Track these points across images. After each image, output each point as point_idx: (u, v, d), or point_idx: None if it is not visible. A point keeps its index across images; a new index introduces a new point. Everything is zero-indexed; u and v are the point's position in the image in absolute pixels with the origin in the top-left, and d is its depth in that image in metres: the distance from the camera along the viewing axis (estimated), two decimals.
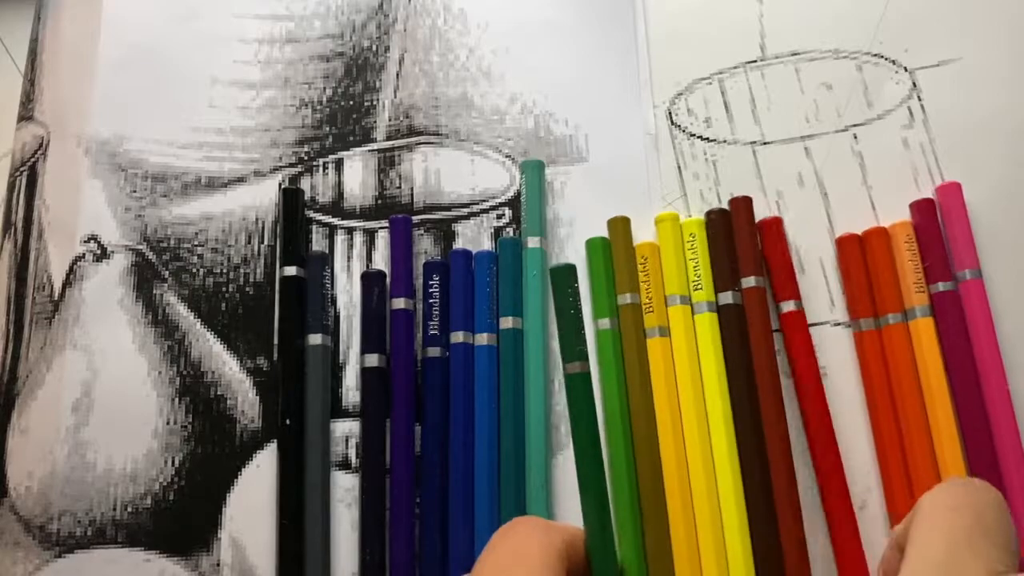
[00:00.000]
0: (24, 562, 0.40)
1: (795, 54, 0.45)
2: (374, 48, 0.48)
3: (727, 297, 0.41)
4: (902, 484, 0.38)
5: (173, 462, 0.41)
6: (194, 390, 0.42)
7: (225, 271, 0.44)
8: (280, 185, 0.46)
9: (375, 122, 0.46)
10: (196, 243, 0.45)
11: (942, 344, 0.39)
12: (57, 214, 0.46)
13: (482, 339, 0.41)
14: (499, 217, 0.44)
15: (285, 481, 0.40)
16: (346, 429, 0.41)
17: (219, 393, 0.42)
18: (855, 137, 0.44)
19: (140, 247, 0.45)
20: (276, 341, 0.43)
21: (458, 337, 0.41)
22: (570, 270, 0.26)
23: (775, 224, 0.41)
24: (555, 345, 0.41)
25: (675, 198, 0.44)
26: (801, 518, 0.37)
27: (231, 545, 0.40)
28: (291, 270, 0.43)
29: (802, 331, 0.40)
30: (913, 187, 0.42)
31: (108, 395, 0.42)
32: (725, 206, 0.42)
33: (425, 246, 0.44)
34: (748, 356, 0.40)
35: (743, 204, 0.42)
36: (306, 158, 0.46)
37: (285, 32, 0.48)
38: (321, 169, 0.46)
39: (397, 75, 0.47)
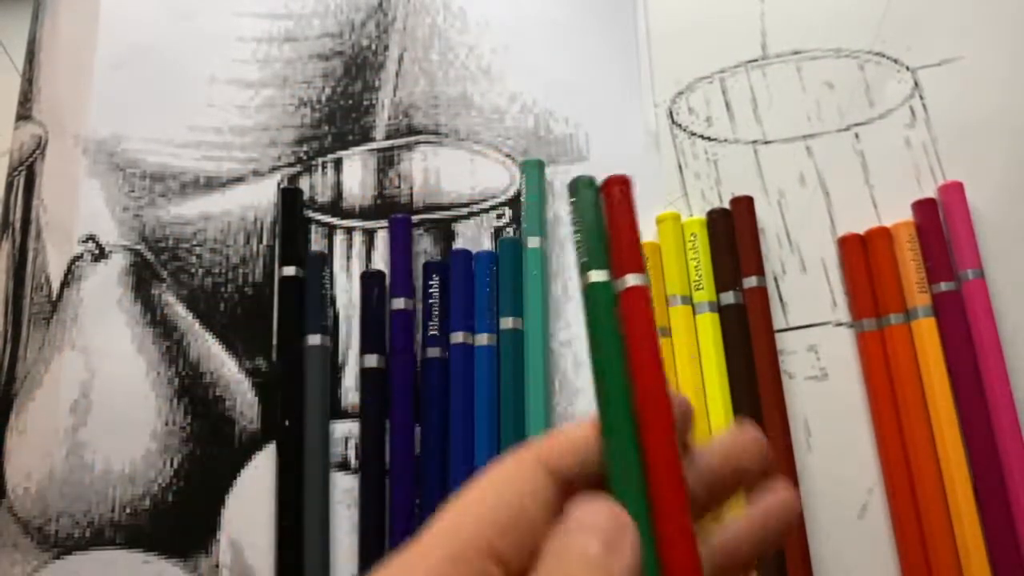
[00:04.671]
0: (22, 563, 0.40)
1: (797, 53, 0.45)
2: (373, 47, 0.48)
3: (728, 297, 0.40)
4: (904, 485, 0.37)
5: (172, 463, 0.41)
6: (193, 391, 0.42)
7: (224, 271, 0.44)
8: (279, 185, 0.45)
9: (374, 121, 0.46)
10: (194, 243, 0.45)
11: (944, 344, 0.39)
12: (55, 214, 0.45)
13: (482, 339, 0.41)
14: (499, 217, 0.44)
15: (284, 482, 0.40)
16: (346, 430, 0.41)
17: (218, 394, 0.42)
18: (857, 136, 0.43)
19: (138, 247, 0.45)
20: (275, 341, 0.42)
21: (458, 337, 0.41)
22: (592, 181, 0.26)
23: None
24: (555, 345, 0.41)
25: (676, 197, 0.44)
26: (803, 519, 0.37)
27: (230, 547, 0.40)
28: (290, 270, 0.43)
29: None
30: (915, 186, 0.42)
31: (106, 396, 0.42)
32: (726, 206, 0.42)
33: (425, 246, 0.44)
34: (749, 356, 0.39)
35: (744, 204, 0.42)
36: (305, 157, 0.46)
37: (284, 31, 0.48)
38: (320, 169, 0.46)
39: (396, 74, 0.47)
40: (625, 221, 0.25)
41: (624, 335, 0.23)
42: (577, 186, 0.25)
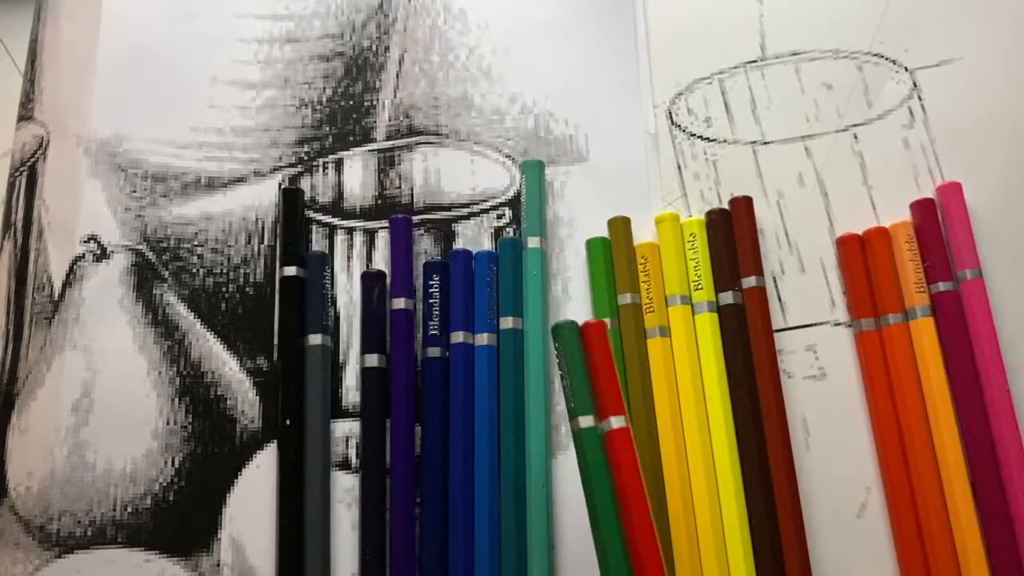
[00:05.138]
0: (24, 562, 0.40)
1: (795, 54, 0.45)
2: (374, 48, 0.48)
3: (727, 297, 0.41)
4: (902, 484, 0.38)
5: (173, 462, 0.41)
6: (194, 390, 0.42)
7: (225, 271, 0.44)
8: (280, 185, 0.45)
9: (375, 122, 0.46)
10: (196, 243, 0.45)
11: (943, 344, 0.39)
12: (57, 214, 0.46)
13: (482, 339, 0.41)
14: (499, 217, 0.44)
15: (285, 481, 0.40)
16: (346, 429, 0.41)
17: (219, 393, 0.42)
18: (855, 137, 0.44)
19: (140, 247, 0.45)
20: (276, 341, 0.43)
21: (458, 337, 0.41)
22: (575, 327, 0.29)
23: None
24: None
25: (675, 198, 0.44)
26: (802, 518, 0.37)
27: (231, 545, 0.40)
28: (291, 270, 0.43)
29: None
30: (913, 187, 0.42)
31: (108, 395, 0.42)
32: (725, 206, 0.42)
33: (425, 246, 0.44)
34: (748, 356, 0.40)
35: (743, 204, 0.42)
36: (306, 158, 0.46)
37: (285, 32, 0.48)
38: (321, 169, 0.46)
39: (397, 75, 0.47)
40: (605, 366, 0.28)
41: (612, 468, 0.27)
42: (562, 332, 0.28)
